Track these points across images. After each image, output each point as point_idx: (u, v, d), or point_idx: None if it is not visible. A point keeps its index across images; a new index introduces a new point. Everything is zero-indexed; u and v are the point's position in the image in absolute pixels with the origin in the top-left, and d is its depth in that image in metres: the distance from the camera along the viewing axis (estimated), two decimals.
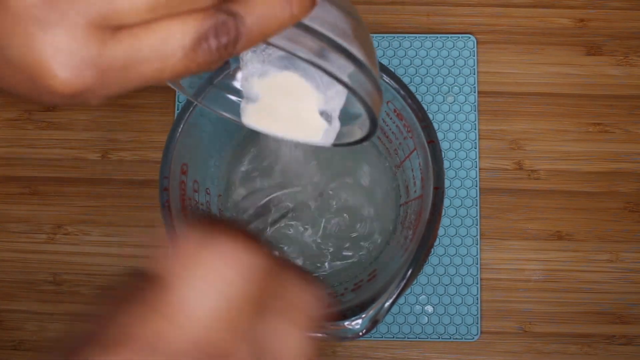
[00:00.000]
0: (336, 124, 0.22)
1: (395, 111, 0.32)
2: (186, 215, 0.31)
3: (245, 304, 0.17)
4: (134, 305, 0.16)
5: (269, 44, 0.18)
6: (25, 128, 0.45)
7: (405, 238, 0.33)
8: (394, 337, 0.42)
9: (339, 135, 0.22)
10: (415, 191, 0.33)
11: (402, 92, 0.30)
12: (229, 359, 0.16)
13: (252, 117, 0.22)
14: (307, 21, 0.19)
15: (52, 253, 0.44)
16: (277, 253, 0.18)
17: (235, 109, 0.23)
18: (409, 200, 0.36)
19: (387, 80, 0.30)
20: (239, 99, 0.23)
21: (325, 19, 0.19)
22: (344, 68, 0.19)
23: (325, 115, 0.22)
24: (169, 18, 0.16)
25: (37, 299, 0.43)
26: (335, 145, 0.22)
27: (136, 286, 0.17)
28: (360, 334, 0.27)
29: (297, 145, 0.42)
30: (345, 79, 0.19)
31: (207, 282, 0.16)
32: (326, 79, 0.21)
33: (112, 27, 0.15)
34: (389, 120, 0.34)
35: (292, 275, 0.19)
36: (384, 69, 0.30)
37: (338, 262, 0.41)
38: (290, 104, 0.22)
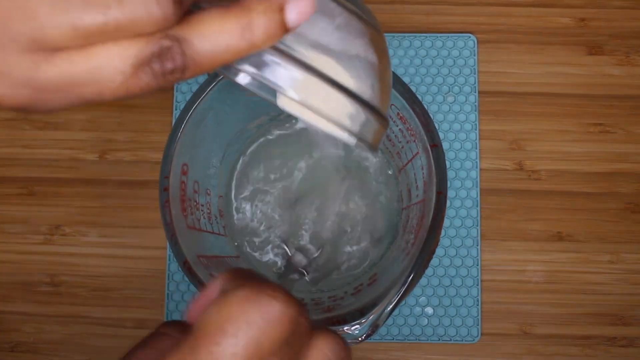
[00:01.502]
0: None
1: (398, 115, 0.31)
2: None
3: (279, 354, 0.17)
4: (174, 353, 0.17)
5: (235, 71, 0.17)
6: (22, 128, 0.45)
7: (406, 242, 0.33)
8: (393, 339, 0.41)
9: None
10: (417, 195, 0.33)
11: (406, 95, 0.29)
12: None
13: (288, 102, 0.21)
14: (291, 39, 0.18)
15: (50, 254, 0.43)
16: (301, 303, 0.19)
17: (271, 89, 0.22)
18: (410, 204, 0.35)
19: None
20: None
21: (320, 31, 0.19)
22: (333, 105, 0.19)
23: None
24: (108, 43, 0.15)
25: (34, 300, 0.43)
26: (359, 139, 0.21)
27: (171, 338, 0.18)
28: (360, 339, 0.26)
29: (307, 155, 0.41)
30: (331, 121, 0.18)
31: (243, 332, 0.17)
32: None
33: (48, 50, 0.15)
34: (392, 124, 0.34)
35: (320, 325, 0.19)
36: None
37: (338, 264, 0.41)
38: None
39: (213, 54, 0.16)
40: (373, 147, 0.21)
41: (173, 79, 0.16)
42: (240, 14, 0.16)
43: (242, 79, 0.19)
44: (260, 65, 0.18)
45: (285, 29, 0.17)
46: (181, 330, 0.19)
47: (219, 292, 0.18)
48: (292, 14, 0.17)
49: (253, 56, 0.18)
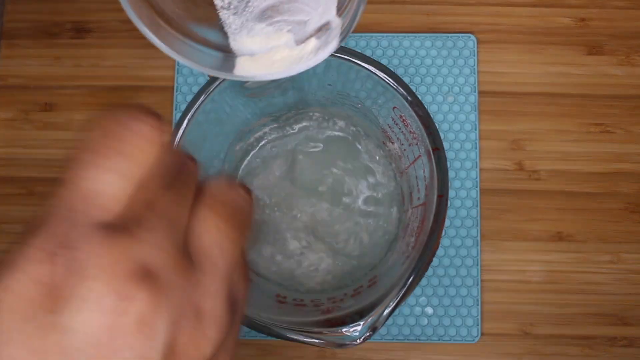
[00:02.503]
0: (336, 25, 0.22)
1: (401, 117, 0.31)
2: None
3: (158, 182, 0.16)
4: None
5: None
6: (22, 128, 0.45)
7: (407, 245, 0.33)
8: (393, 339, 0.41)
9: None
10: (418, 198, 0.33)
11: (409, 98, 0.29)
12: (140, 231, 0.15)
13: (246, 68, 0.22)
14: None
15: None
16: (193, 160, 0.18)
17: (220, 63, 0.23)
18: (412, 207, 0.35)
19: (393, 86, 0.30)
20: (223, 54, 0.23)
21: None
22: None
23: (323, 28, 0.22)
24: None
25: None
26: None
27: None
28: (358, 341, 0.26)
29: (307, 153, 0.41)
30: None
31: (113, 152, 0.15)
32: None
33: None
34: (394, 126, 0.33)
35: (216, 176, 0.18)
36: (390, 74, 0.30)
37: (339, 266, 0.41)
38: (286, 43, 0.22)
39: None
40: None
41: None
42: None
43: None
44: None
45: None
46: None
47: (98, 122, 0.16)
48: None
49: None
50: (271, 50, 0.22)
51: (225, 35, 0.22)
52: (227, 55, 0.22)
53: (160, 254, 0.15)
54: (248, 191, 0.19)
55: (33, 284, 0.14)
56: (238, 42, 0.22)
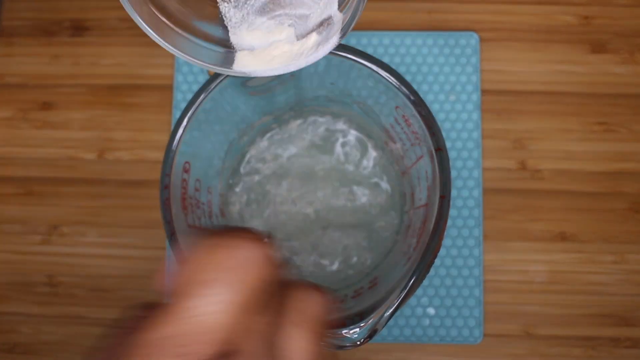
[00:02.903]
0: (338, 20, 0.22)
1: (403, 117, 0.31)
2: (189, 223, 0.31)
3: (257, 304, 0.16)
4: (151, 319, 0.16)
5: None
6: (20, 127, 0.44)
7: (408, 246, 0.32)
8: (395, 340, 0.41)
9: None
10: (420, 199, 0.33)
11: (412, 98, 0.29)
12: (240, 355, 0.16)
13: (245, 63, 0.22)
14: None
15: (48, 254, 0.43)
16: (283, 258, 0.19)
17: (219, 58, 0.22)
18: (413, 208, 0.35)
19: (396, 85, 0.29)
20: (223, 49, 0.23)
21: None
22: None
23: (324, 23, 0.22)
24: None
25: (32, 301, 0.42)
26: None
27: (145, 312, 0.17)
28: (359, 342, 0.26)
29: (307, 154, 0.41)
30: None
31: (218, 282, 0.16)
32: None
33: None
34: (396, 126, 0.33)
35: (298, 280, 0.19)
36: (393, 73, 0.29)
37: (339, 266, 0.40)
38: (287, 37, 0.22)
39: None
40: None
41: None
42: None
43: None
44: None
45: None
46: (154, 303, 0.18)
47: (194, 252, 0.17)
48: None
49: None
50: (271, 45, 0.22)
51: (225, 29, 0.22)
52: (227, 50, 0.22)
53: None
54: (326, 294, 0.19)
55: None
56: (238, 36, 0.22)
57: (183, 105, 0.44)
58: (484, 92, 0.44)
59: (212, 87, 0.30)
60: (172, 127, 0.44)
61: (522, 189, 0.43)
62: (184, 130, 0.30)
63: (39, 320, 0.42)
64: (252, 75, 0.22)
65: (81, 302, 0.42)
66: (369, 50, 0.44)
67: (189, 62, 0.21)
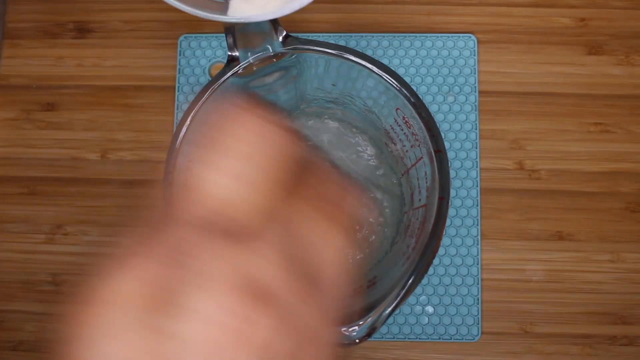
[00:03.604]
0: None
1: (404, 119, 0.31)
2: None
3: (277, 183, 0.15)
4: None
5: None
6: (23, 128, 0.45)
7: (407, 246, 0.33)
8: (394, 338, 0.41)
9: None
10: (419, 200, 0.33)
11: (412, 100, 0.29)
12: (255, 242, 0.14)
13: (240, 9, 0.22)
14: None
15: (51, 253, 0.43)
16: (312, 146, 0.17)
17: (212, 6, 0.22)
18: (412, 208, 0.35)
19: (397, 88, 0.30)
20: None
21: None
22: None
23: None
24: None
25: (36, 299, 0.43)
26: None
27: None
28: (357, 340, 0.26)
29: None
30: None
31: (233, 149, 0.14)
32: None
33: None
34: (397, 128, 0.34)
35: (326, 169, 0.17)
36: (394, 75, 0.30)
37: None
38: None
39: None
40: None
41: None
42: None
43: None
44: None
45: None
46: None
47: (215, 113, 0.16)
48: None
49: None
50: None
51: None
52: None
53: (281, 273, 0.14)
54: (349, 185, 0.18)
55: (144, 285, 0.13)
56: None
57: (185, 106, 0.44)
58: (481, 93, 0.44)
59: (214, 88, 0.31)
60: (175, 127, 0.44)
61: (519, 189, 0.43)
62: (187, 129, 0.30)
63: (43, 318, 0.43)
64: (246, 21, 0.22)
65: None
66: (368, 52, 0.45)
67: (183, 9, 0.21)
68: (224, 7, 0.22)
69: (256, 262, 0.14)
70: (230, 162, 0.14)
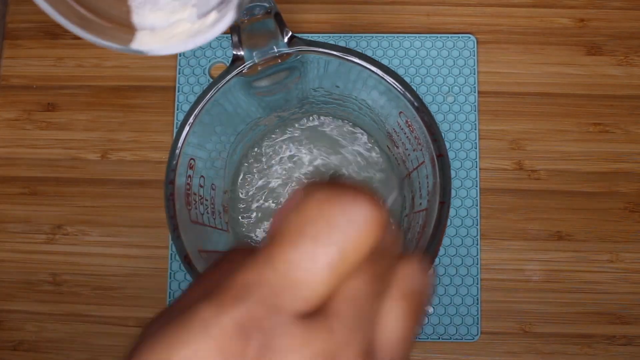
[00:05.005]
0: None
1: (407, 122, 0.31)
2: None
3: (361, 269, 0.15)
4: (248, 262, 0.15)
5: None
6: (24, 128, 0.45)
7: (407, 249, 0.33)
8: None
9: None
10: (420, 203, 0.33)
11: (415, 104, 0.29)
12: (332, 318, 0.14)
13: (144, 42, 0.22)
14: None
15: (52, 253, 0.43)
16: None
17: (116, 38, 0.22)
18: (413, 212, 0.36)
19: (400, 91, 0.30)
20: (122, 28, 0.23)
21: None
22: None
23: (225, 1, 0.22)
24: None
25: (37, 299, 0.43)
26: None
27: (248, 250, 0.16)
28: None
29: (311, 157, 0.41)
30: None
31: (324, 235, 0.14)
32: None
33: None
34: (399, 131, 0.34)
35: (408, 253, 0.17)
36: (398, 79, 0.30)
37: None
38: (189, 17, 0.22)
39: None
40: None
41: None
42: None
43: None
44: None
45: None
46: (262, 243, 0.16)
47: (309, 198, 0.15)
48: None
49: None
50: (172, 25, 0.22)
51: (127, 9, 0.22)
52: (126, 30, 0.22)
53: (355, 355, 0.14)
54: (430, 272, 0.18)
55: (222, 356, 0.13)
56: (140, 15, 0.22)
57: (185, 106, 0.44)
58: (481, 93, 0.44)
59: (215, 88, 0.31)
60: (175, 128, 0.44)
61: (518, 189, 0.43)
62: (190, 127, 0.30)
63: (43, 318, 0.43)
64: (150, 54, 0.22)
65: (85, 300, 0.43)
66: (368, 53, 0.45)
67: (93, 42, 0.21)
68: (128, 38, 0.22)
69: (336, 347, 0.14)
70: (328, 252, 0.14)
